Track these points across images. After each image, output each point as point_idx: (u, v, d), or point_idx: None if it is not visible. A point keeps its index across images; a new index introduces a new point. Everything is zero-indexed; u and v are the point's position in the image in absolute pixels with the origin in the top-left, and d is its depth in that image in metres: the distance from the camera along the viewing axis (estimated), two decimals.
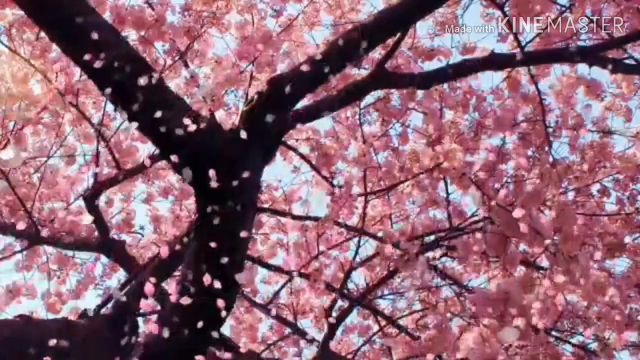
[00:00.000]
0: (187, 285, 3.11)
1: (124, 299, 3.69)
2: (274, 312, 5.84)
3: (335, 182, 5.58)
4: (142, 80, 3.07)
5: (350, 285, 5.87)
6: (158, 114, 3.07)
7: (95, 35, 3.19)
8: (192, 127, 3.06)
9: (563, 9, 4.96)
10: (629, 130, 5.35)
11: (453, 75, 4.84)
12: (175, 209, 6.25)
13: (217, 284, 2.97)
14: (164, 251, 3.01)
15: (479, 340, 3.75)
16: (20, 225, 4.71)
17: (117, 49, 3.22)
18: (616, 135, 5.36)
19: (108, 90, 3.13)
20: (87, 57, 3.10)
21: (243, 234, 3.18)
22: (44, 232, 5.32)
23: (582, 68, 5.19)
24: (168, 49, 5.09)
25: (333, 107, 4.61)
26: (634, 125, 5.38)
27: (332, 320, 5.34)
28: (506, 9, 4.87)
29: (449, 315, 5.00)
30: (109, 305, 3.97)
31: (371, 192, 5.55)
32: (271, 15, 5.22)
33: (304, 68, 3.54)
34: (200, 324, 3.01)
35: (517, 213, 3.70)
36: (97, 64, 3.09)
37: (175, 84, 5.27)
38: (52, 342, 3.18)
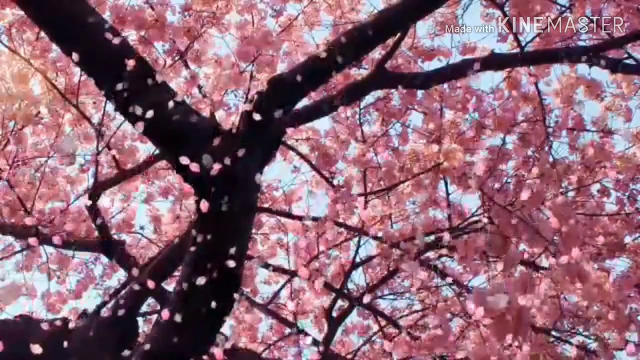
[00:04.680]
0: (186, 286, 3.11)
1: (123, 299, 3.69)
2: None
3: (335, 182, 5.58)
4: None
5: (350, 285, 5.88)
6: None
7: (95, 36, 3.19)
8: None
9: (563, 9, 4.96)
10: (629, 130, 5.35)
11: (453, 75, 4.84)
12: (175, 209, 6.24)
13: (217, 285, 2.97)
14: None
15: (479, 340, 3.75)
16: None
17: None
18: (616, 135, 5.36)
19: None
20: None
21: (243, 234, 3.18)
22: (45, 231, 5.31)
23: (582, 68, 5.20)
24: (168, 49, 5.09)
25: (333, 107, 4.61)
26: (634, 125, 5.39)
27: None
28: (506, 9, 4.87)
29: (449, 315, 5.00)
30: (109, 305, 3.97)
31: (371, 192, 5.55)
32: (271, 15, 5.24)
33: (304, 68, 3.54)
34: (199, 324, 3.01)
35: (517, 214, 3.70)
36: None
37: (175, 83, 5.27)
38: (52, 342, 3.18)
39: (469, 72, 4.66)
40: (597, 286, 3.98)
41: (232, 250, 3.07)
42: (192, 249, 3.17)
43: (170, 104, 3.16)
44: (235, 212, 3.13)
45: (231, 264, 3.04)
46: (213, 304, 2.99)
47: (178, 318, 3.01)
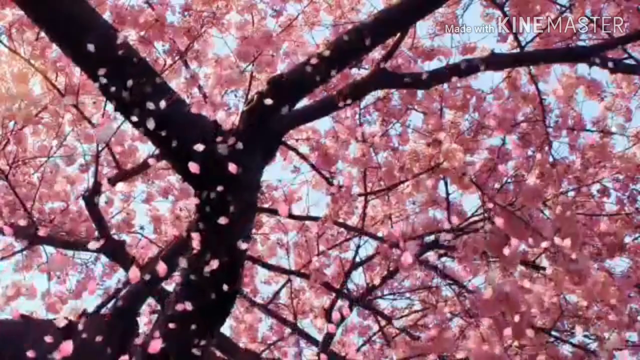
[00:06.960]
0: (186, 286, 3.11)
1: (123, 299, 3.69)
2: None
3: (335, 182, 5.58)
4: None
5: (350, 285, 5.88)
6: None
7: (95, 35, 3.19)
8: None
9: (563, 9, 4.97)
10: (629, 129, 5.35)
11: (453, 75, 4.83)
12: (175, 209, 6.24)
13: (217, 284, 2.97)
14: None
15: (479, 340, 3.75)
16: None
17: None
18: (616, 135, 5.36)
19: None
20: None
21: (243, 233, 3.18)
22: (44, 232, 5.31)
23: (582, 68, 5.20)
24: (168, 49, 5.09)
25: (333, 107, 4.60)
26: (634, 125, 5.39)
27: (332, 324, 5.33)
28: (506, 9, 4.88)
29: (449, 315, 5.00)
30: (109, 305, 3.96)
31: (371, 192, 5.55)
32: (271, 15, 5.23)
33: (304, 68, 3.54)
34: (199, 324, 3.01)
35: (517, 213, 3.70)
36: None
37: (175, 84, 5.27)
38: (52, 342, 3.17)
39: (471, 72, 4.66)
40: (598, 285, 3.98)
41: (232, 250, 3.07)
42: (192, 249, 3.17)
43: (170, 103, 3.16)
44: (235, 212, 3.13)
45: (231, 263, 3.05)
46: (212, 304, 2.99)
47: (177, 317, 3.01)
